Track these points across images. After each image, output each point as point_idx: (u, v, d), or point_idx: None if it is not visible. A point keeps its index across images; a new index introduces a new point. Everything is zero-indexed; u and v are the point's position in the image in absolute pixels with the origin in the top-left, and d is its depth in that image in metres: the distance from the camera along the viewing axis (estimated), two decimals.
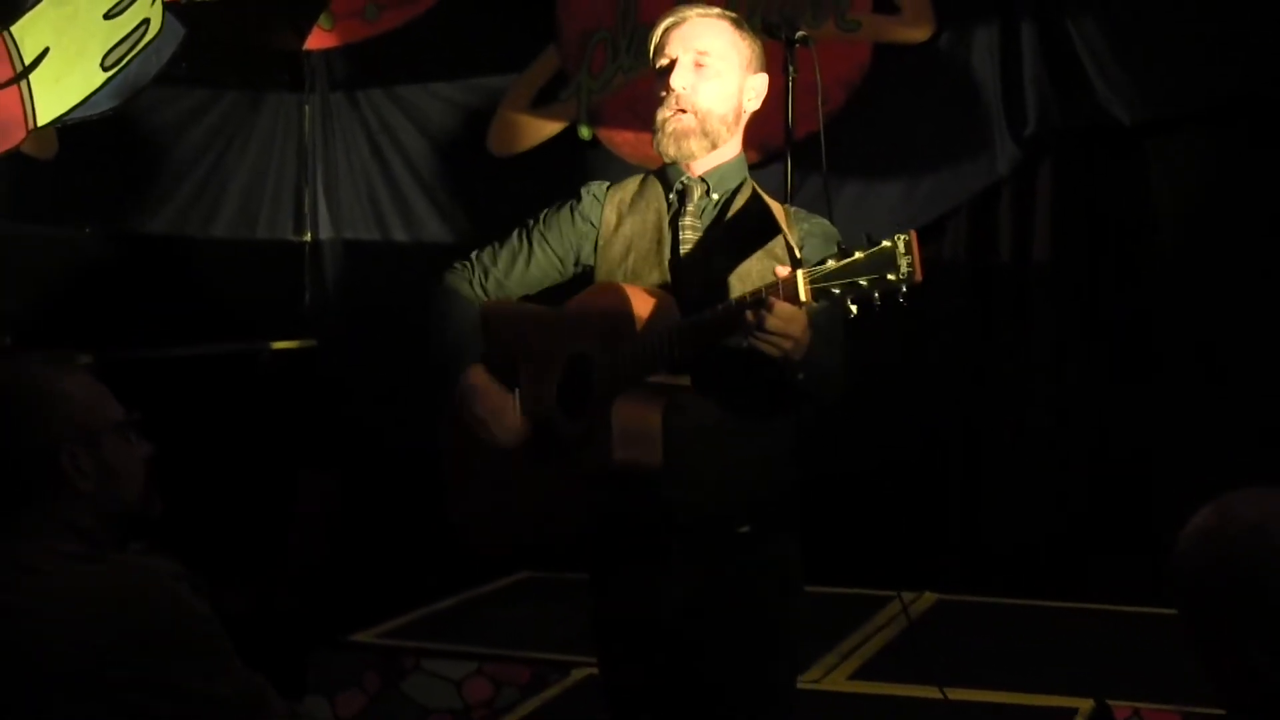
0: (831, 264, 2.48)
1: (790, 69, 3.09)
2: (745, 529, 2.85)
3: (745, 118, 2.95)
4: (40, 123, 5.20)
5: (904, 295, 2.45)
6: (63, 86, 5.25)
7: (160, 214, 5.72)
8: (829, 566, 4.57)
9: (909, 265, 2.42)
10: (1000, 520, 5.15)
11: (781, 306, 2.51)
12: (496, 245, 3.10)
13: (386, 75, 6.16)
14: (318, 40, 6.22)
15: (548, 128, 5.80)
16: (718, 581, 2.83)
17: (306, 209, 6.30)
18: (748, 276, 2.77)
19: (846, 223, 3.01)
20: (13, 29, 5.17)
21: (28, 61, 5.20)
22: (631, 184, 3.04)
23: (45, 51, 5.24)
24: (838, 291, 2.48)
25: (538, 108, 5.83)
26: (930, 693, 3.62)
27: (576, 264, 3.05)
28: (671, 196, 2.94)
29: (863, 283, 2.45)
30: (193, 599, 2.23)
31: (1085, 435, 5.10)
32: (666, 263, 2.90)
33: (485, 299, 3.08)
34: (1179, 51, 4.78)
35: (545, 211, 3.08)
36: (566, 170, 5.52)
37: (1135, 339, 4.99)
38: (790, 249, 2.64)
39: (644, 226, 2.96)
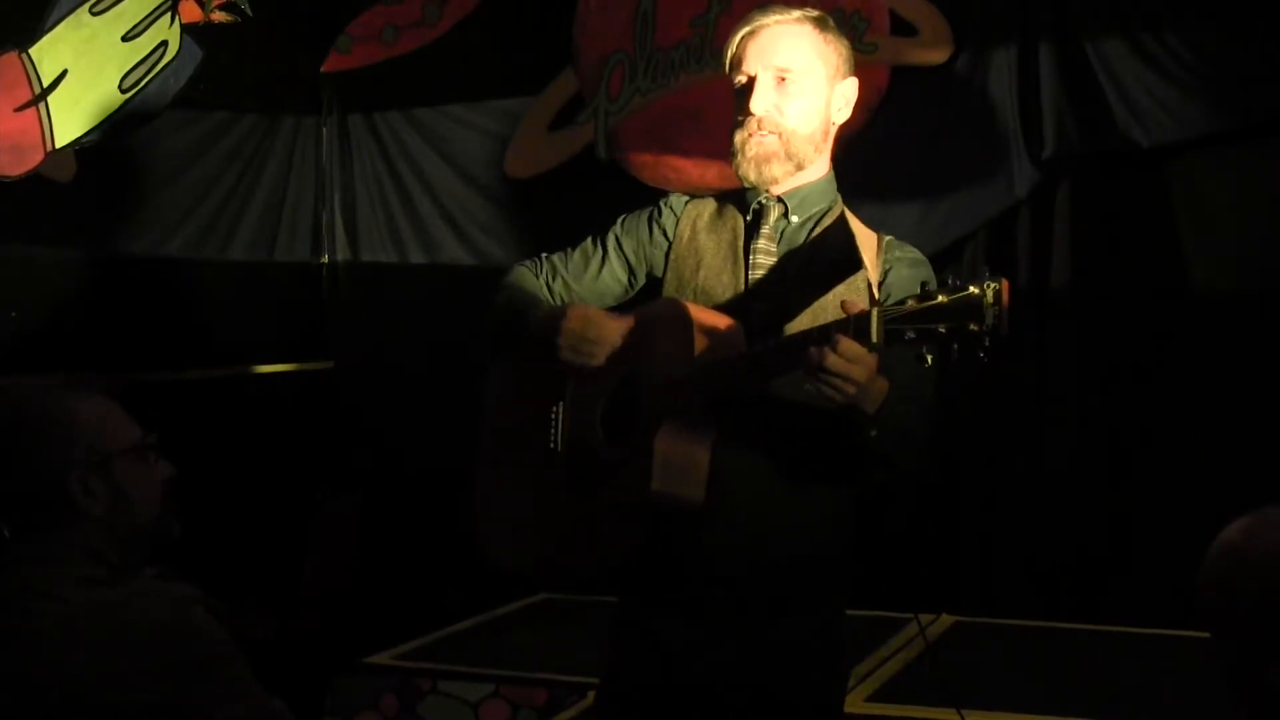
0: (911, 304, 2.25)
1: None
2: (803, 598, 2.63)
3: (834, 130, 2.76)
4: (58, 145, 5.22)
5: (985, 349, 2.22)
6: (81, 108, 5.27)
7: (178, 236, 5.73)
8: None
9: (995, 316, 2.19)
10: (1018, 542, 5.14)
11: (847, 345, 2.30)
12: (569, 249, 2.92)
13: (404, 98, 6.17)
14: (335, 63, 6.24)
15: (565, 150, 5.80)
16: (753, 649, 2.63)
17: (324, 231, 6.30)
18: (823, 312, 2.57)
19: None
20: (31, 51, 5.19)
21: (46, 83, 5.21)
22: (711, 201, 2.84)
23: (64, 73, 5.26)
24: (913, 335, 2.24)
25: (555, 130, 5.84)
26: (948, 715, 3.60)
27: (648, 277, 2.87)
28: (748, 218, 2.75)
29: (942, 330, 2.21)
30: (211, 623, 2.24)
31: (1104, 457, 5.07)
32: (739, 286, 2.70)
33: (550, 300, 2.86)
34: (1199, 74, 4.77)
35: (624, 217, 2.90)
36: (584, 193, 5.52)
37: (1155, 360, 4.97)
38: (870, 287, 2.46)
39: (718, 246, 2.75)
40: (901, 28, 5.19)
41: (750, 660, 2.63)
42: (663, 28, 5.56)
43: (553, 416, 2.78)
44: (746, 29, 2.71)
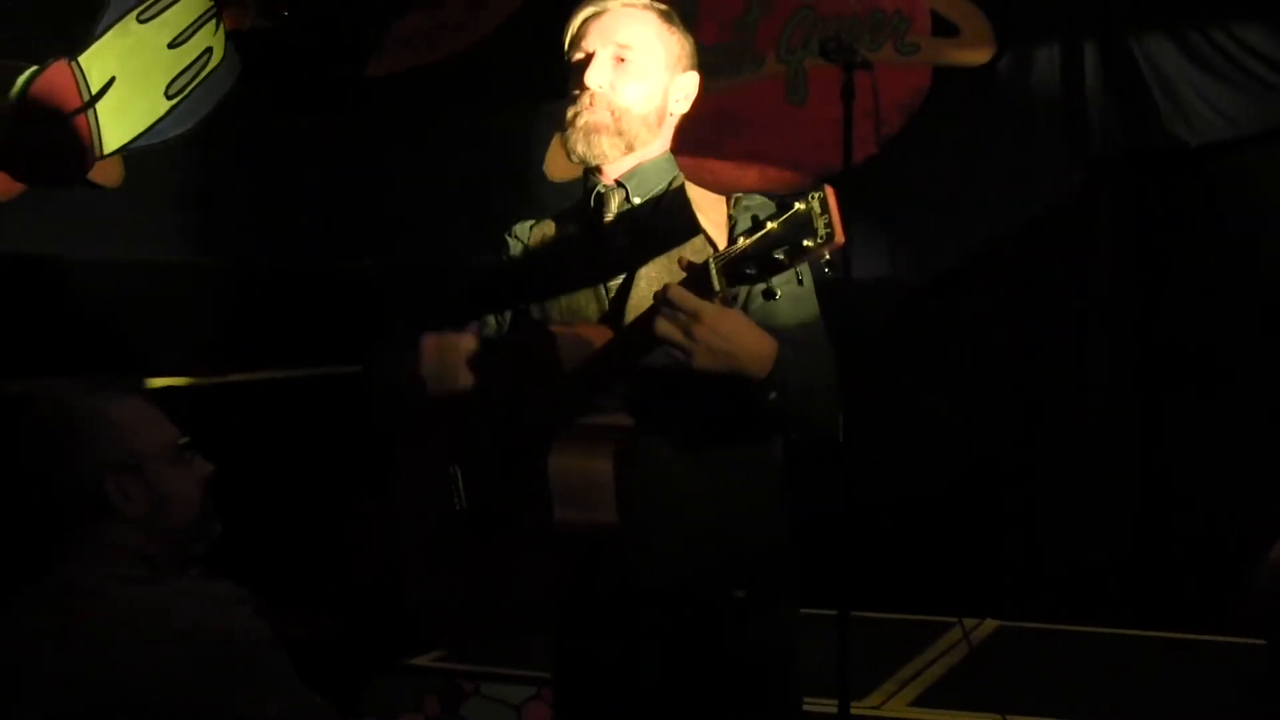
0: (742, 242, 2.19)
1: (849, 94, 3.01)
2: (740, 594, 2.52)
3: (672, 120, 2.70)
4: (107, 151, 5.26)
5: (828, 263, 2.20)
6: (128, 115, 5.31)
7: (224, 240, 5.76)
8: (888, 592, 4.55)
9: (827, 226, 2.12)
10: (1063, 546, 5.11)
11: (675, 293, 2.23)
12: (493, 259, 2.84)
13: (447, 100, 6.19)
14: (379, 65, 6.26)
15: None
16: (697, 661, 2.51)
17: (368, 233, 6.32)
18: (661, 280, 2.42)
19: (904, 247, 2.93)
20: (80, 58, 5.23)
21: (95, 90, 5.25)
22: (551, 222, 2.79)
23: (111, 80, 5.30)
24: (753, 271, 2.18)
25: None
26: None
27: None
28: (590, 207, 2.68)
29: (780, 256, 2.15)
30: (254, 620, 2.25)
31: (1150, 459, 5.05)
32: (601, 287, 2.61)
33: None
34: (1246, 70, 4.74)
35: (485, 274, 2.82)
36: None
37: (1197, 361, 4.94)
38: (712, 242, 2.44)
39: (567, 254, 2.69)
40: (943, 28, 5.17)
41: (696, 672, 2.52)
42: (701, 30, 5.56)
43: (451, 474, 2.60)
44: (591, 10, 2.66)
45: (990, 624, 4.78)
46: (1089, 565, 5.03)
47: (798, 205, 2.13)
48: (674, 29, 2.67)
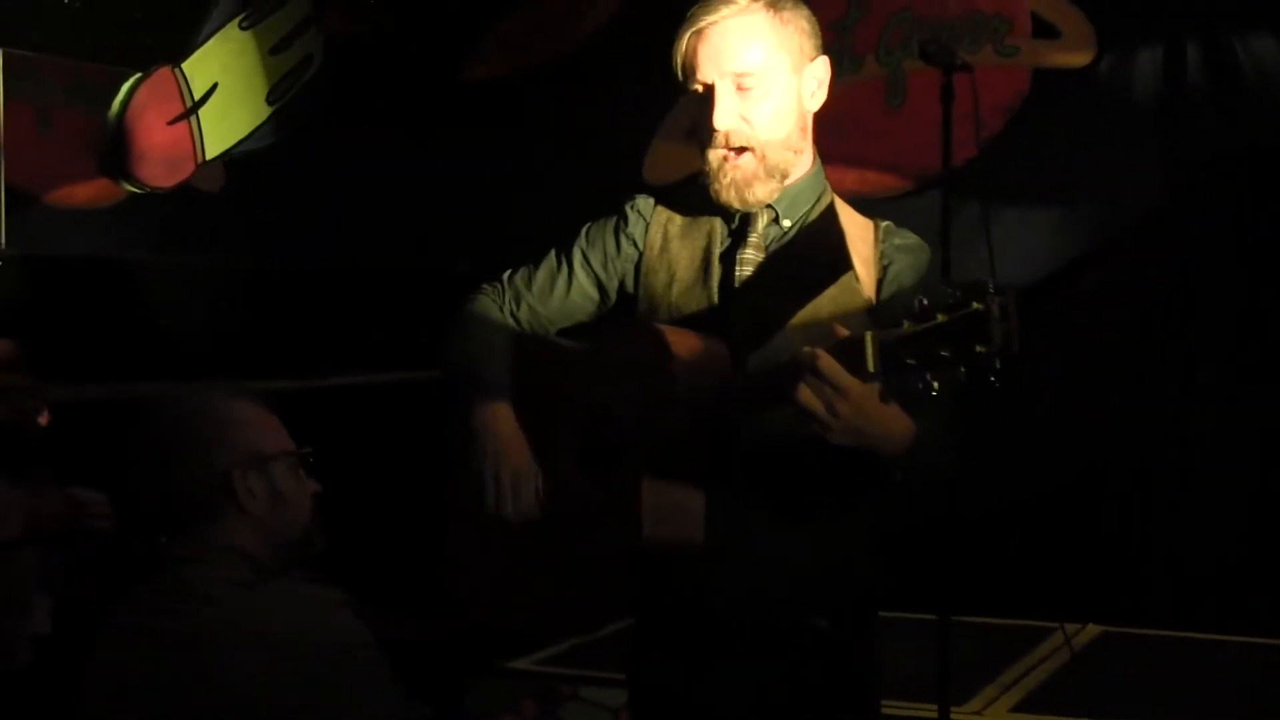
0: (907, 326, 1.96)
1: (949, 96, 2.98)
2: (823, 623, 2.39)
3: (811, 118, 2.48)
4: (209, 156, 5.33)
5: (996, 373, 1.92)
6: (230, 121, 5.38)
7: (323, 245, 5.81)
8: (989, 597, 4.52)
9: (1005, 334, 1.88)
10: (1168, 550, 5.05)
11: (831, 373, 2.04)
12: (531, 267, 2.67)
13: (544, 104, 6.21)
14: (477, 71, 6.30)
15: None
16: (773, 687, 2.40)
17: (464, 237, 6.36)
18: (815, 322, 2.30)
19: (1004, 251, 2.89)
20: (184, 66, 5.31)
21: (197, 97, 5.33)
22: (684, 203, 2.58)
23: (214, 87, 5.37)
24: (913, 362, 1.96)
25: (693, 137, 5.83)
26: None
27: (620, 290, 2.58)
28: (733, 225, 2.49)
29: (945, 354, 1.92)
30: (354, 624, 2.28)
31: (1256, 463, 4.98)
32: (715, 300, 2.43)
33: (516, 329, 2.63)
34: None
35: (588, 226, 2.64)
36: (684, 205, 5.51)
37: None
38: (860, 287, 2.26)
39: (692, 256, 2.49)
40: (1043, 30, 5.13)
41: (773, 699, 2.41)
42: None
43: (534, 472, 2.48)
44: (693, 28, 2.42)
45: (1093, 629, 4.73)
46: (1195, 570, 4.97)
47: (975, 304, 1.90)
48: (787, 18, 2.41)
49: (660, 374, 2.27)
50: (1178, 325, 5.07)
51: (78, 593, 3.92)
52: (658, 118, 5.93)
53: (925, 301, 1.96)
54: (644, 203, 2.62)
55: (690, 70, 2.43)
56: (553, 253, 2.65)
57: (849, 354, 2.03)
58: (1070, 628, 4.60)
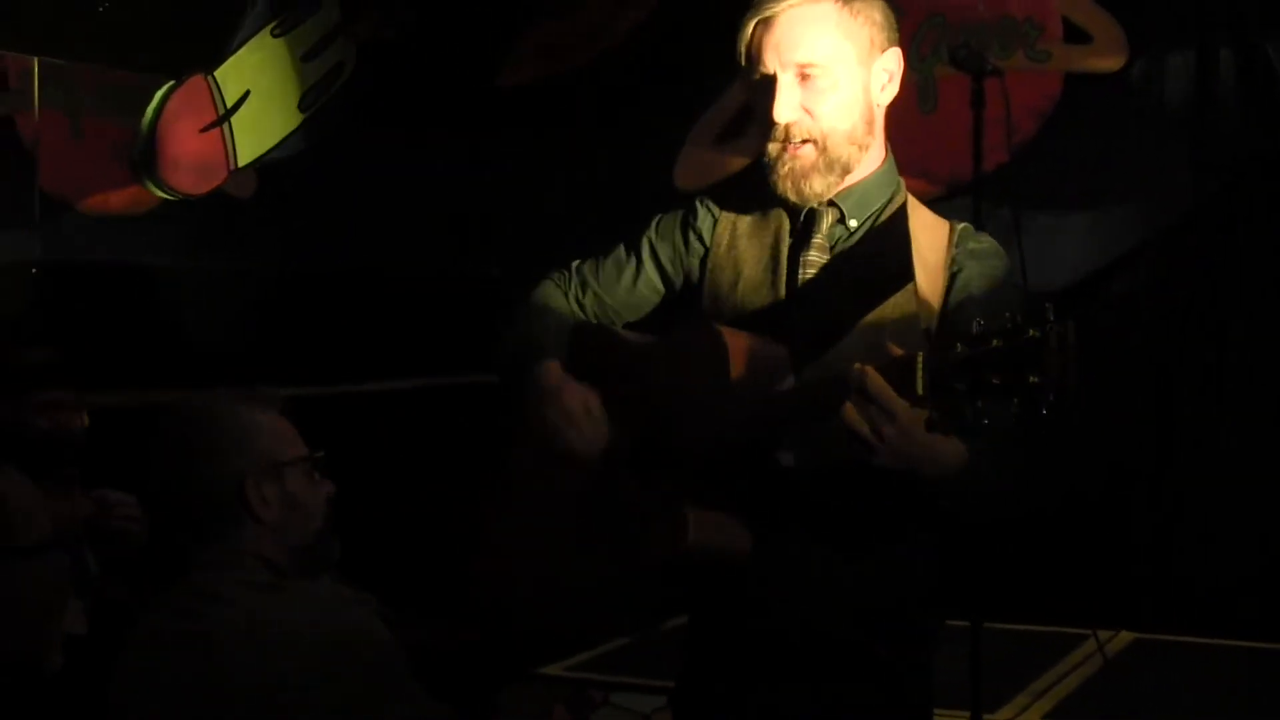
0: (960, 350, 1.89)
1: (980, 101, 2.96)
2: (882, 653, 2.30)
3: (881, 111, 2.39)
4: (241, 163, 5.35)
5: (1049, 405, 1.84)
6: (262, 128, 5.41)
7: (354, 250, 5.83)
8: (1022, 603, 4.51)
9: (1060, 366, 1.81)
10: (1200, 557, 5.03)
11: (878, 392, 1.96)
12: (600, 257, 2.62)
13: (575, 110, 6.22)
14: (510, 76, 6.31)
15: (734, 162, 5.80)
16: (817, 712, 2.32)
17: (496, 243, 6.37)
18: (875, 332, 2.21)
19: (1036, 256, 2.86)
20: (216, 73, 5.33)
21: (229, 104, 5.35)
22: (753, 201, 2.50)
23: (246, 94, 5.39)
24: (962, 388, 1.87)
25: (724, 143, 5.84)
26: None
27: (686, 285, 2.53)
28: (798, 223, 2.41)
29: (996, 381, 1.84)
30: (377, 626, 2.29)
31: None
32: (779, 299, 2.36)
33: (582, 318, 2.58)
34: None
35: (658, 219, 2.58)
36: (752, 205, 5.51)
37: None
38: (920, 300, 2.15)
39: (759, 255, 2.43)
40: (1075, 35, 5.12)
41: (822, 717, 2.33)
42: None
43: (596, 401, 2.41)
44: (758, 17, 2.33)
45: (1126, 636, 4.71)
46: (1228, 576, 4.95)
47: (1033, 332, 1.82)
48: (857, 10, 2.32)
49: (715, 377, 2.22)
50: (1209, 330, 5.05)
51: (113, 594, 3.94)
52: (689, 123, 5.93)
53: (982, 323, 1.90)
54: (712, 204, 2.56)
55: (753, 59, 2.35)
56: (621, 245, 2.60)
57: (900, 374, 1.97)
58: (1103, 634, 4.58)
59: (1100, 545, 5.07)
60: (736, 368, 2.21)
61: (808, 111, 2.31)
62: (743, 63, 2.38)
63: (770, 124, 2.33)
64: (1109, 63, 5.07)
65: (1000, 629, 4.13)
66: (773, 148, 2.35)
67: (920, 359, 1.94)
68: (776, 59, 2.30)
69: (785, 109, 2.30)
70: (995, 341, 1.85)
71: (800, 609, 2.31)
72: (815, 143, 2.31)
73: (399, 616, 2.35)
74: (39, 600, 3.92)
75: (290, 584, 2.32)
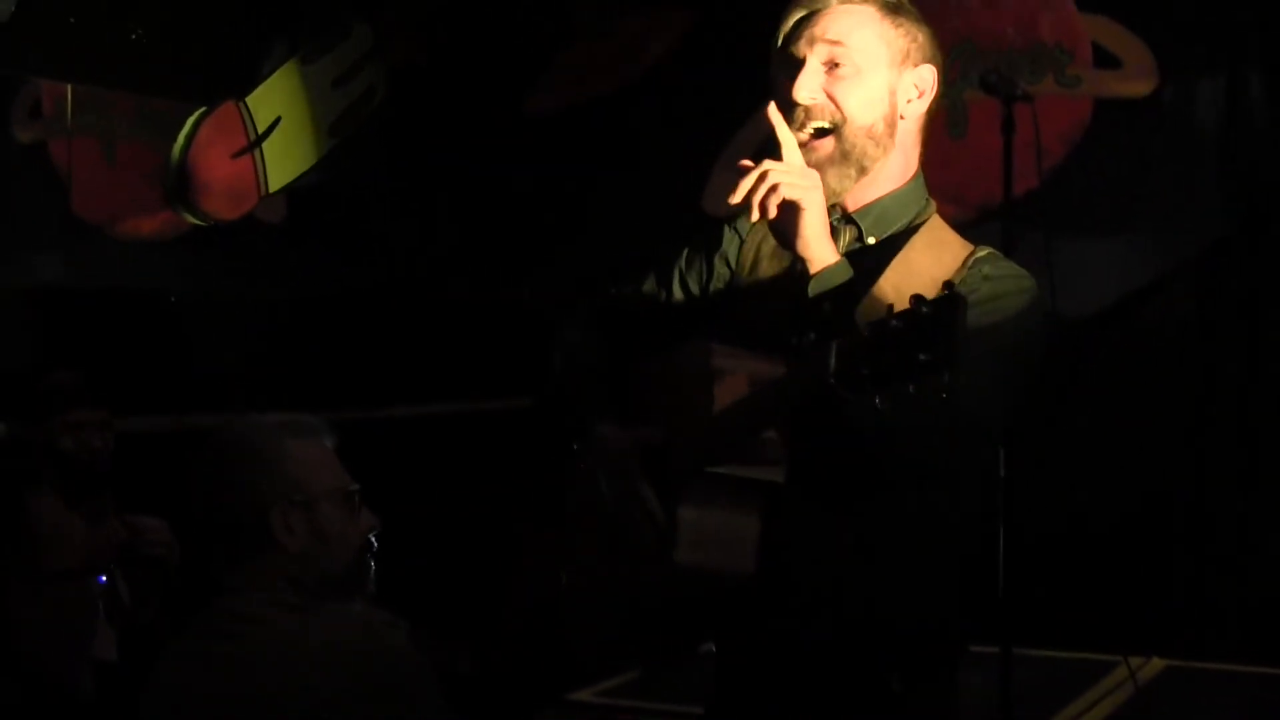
0: (861, 330, 1.91)
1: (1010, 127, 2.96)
2: (897, 686, 2.25)
3: (906, 125, 2.34)
4: (271, 189, 5.38)
5: (946, 388, 1.82)
6: (293, 153, 5.43)
7: (384, 275, 5.84)
8: (1052, 629, 4.48)
9: (949, 339, 1.79)
10: (1233, 582, 5.01)
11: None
12: (635, 286, 2.62)
13: (605, 136, 6.23)
14: (539, 102, 6.32)
15: None
16: None
17: (524, 269, 6.38)
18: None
19: (1067, 282, 2.85)
20: (248, 99, 5.36)
21: (260, 130, 5.38)
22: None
23: (277, 120, 5.42)
24: (867, 372, 1.87)
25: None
26: None
27: (713, 308, 2.48)
28: None
29: (892, 359, 1.84)
30: (407, 647, 2.30)
31: None
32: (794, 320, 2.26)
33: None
34: None
35: (686, 249, 2.55)
36: None
37: None
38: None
39: (781, 271, 2.38)
40: (1105, 60, 5.11)
41: None
42: None
43: (643, 495, 2.34)
44: (804, 10, 2.32)
45: (1157, 663, 4.69)
46: (1260, 603, 4.93)
47: (924, 308, 1.81)
48: (900, 22, 2.31)
49: (707, 396, 2.18)
50: (1242, 355, 5.04)
51: (144, 620, 3.95)
52: (717, 150, 5.94)
53: (893, 309, 1.89)
54: (744, 222, 2.51)
55: (787, 45, 2.34)
56: (652, 275, 2.60)
57: (818, 361, 1.97)
58: (1134, 661, 4.56)
59: (1132, 571, 5.04)
60: (729, 383, 2.18)
61: (829, 96, 2.29)
62: (777, 44, 2.37)
63: (791, 106, 2.30)
64: (1139, 88, 5.07)
65: (1030, 655, 4.11)
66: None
67: (836, 345, 1.94)
68: (808, 42, 2.30)
69: (806, 89, 2.28)
70: (894, 322, 1.85)
71: (815, 629, 2.26)
72: (834, 134, 2.29)
73: (431, 640, 2.36)
74: (70, 626, 3.94)
75: (321, 606, 2.33)
